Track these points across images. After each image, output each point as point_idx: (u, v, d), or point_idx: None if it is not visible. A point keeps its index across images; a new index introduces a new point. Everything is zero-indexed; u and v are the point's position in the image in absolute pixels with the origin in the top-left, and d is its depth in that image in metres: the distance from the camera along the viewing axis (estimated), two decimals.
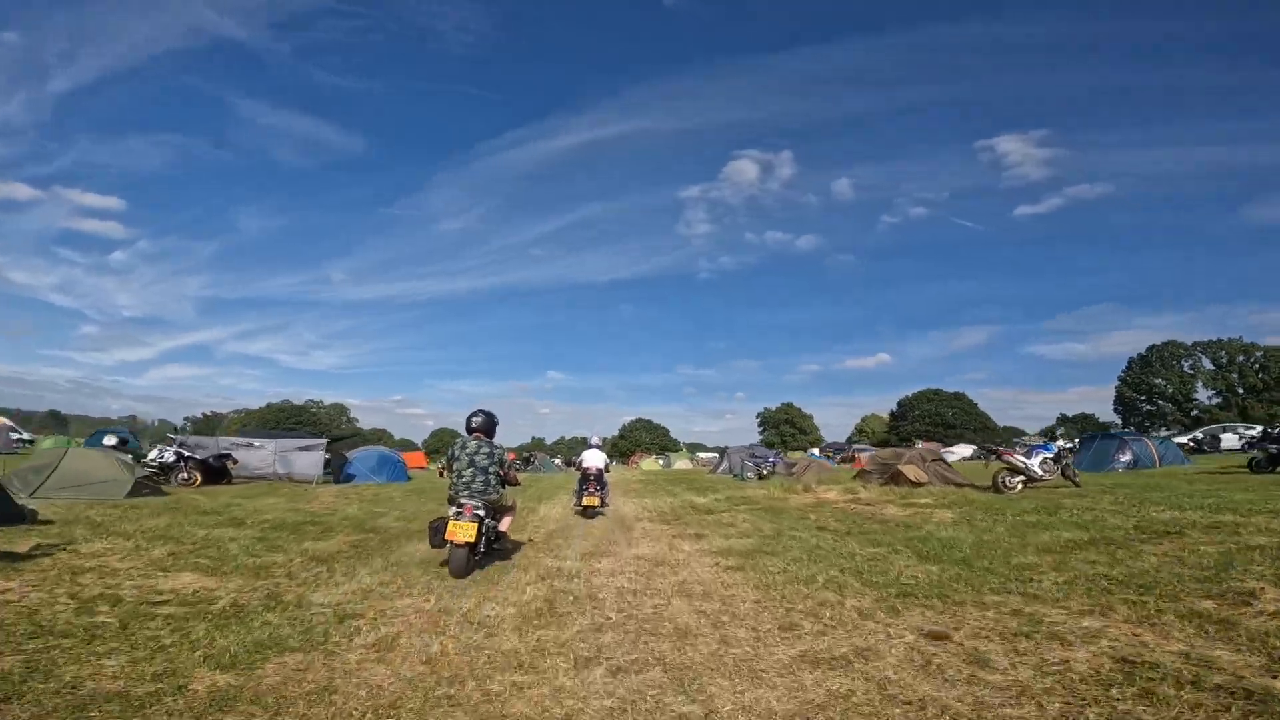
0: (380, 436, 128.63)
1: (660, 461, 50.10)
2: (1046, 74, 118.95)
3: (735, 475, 22.91)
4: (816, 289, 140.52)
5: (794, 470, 20.38)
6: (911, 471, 13.37)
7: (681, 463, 47.02)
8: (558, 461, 47.33)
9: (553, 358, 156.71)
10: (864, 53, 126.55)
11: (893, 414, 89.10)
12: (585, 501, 11.05)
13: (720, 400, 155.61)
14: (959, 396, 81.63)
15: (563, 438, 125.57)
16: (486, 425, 6.39)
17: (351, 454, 21.24)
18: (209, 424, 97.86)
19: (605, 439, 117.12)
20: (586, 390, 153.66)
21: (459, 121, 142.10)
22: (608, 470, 12.36)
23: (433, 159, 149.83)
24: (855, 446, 56.97)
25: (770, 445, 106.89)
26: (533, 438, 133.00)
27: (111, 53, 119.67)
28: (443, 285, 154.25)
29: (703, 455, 57.28)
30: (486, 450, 6.20)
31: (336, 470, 19.17)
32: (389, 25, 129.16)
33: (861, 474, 15.62)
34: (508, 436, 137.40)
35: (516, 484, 6.93)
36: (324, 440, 19.99)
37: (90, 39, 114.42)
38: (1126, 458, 17.52)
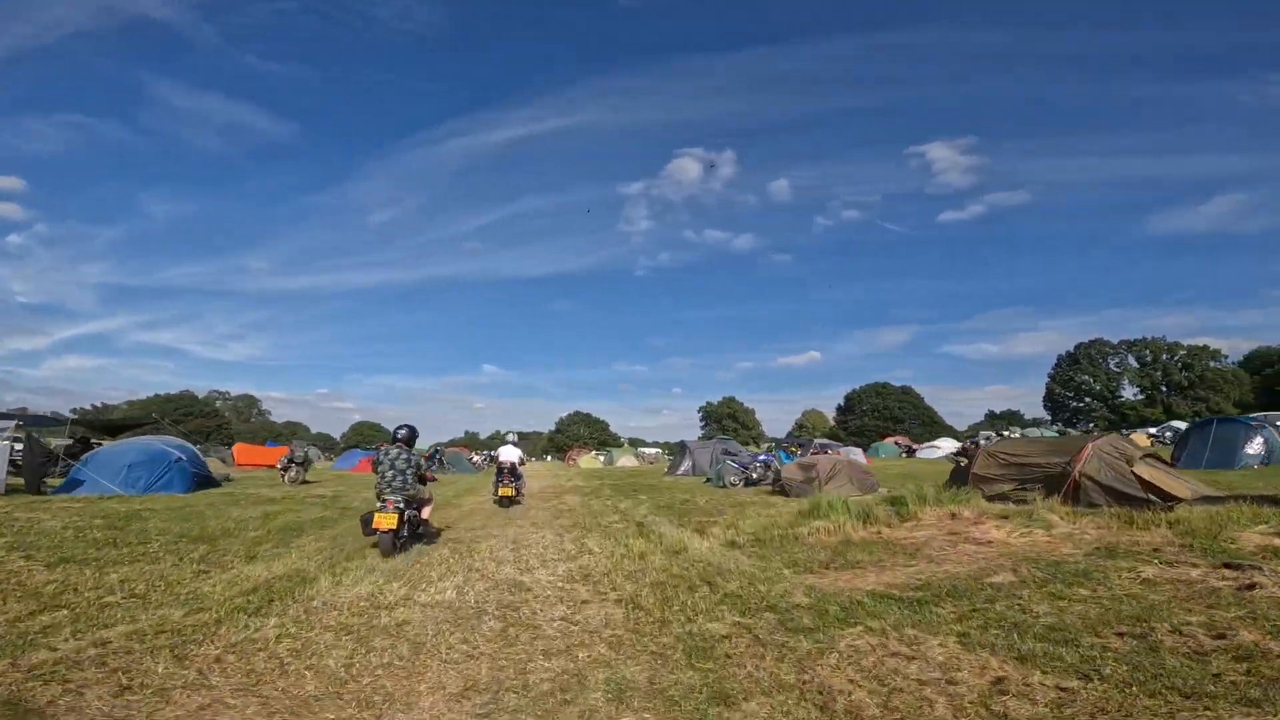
0: (295, 431, 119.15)
1: (601, 458, 43.55)
2: (977, 82, 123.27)
3: (710, 480, 17.53)
4: (752, 288, 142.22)
5: (814, 477, 12.49)
6: (1161, 479, 7.62)
7: (625, 459, 41.21)
8: (476, 459, 38.92)
9: (488, 352, 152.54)
10: (808, 56, 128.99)
11: (840, 408, 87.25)
12: (501, 492, 12.28)
13: (656, 397, 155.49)
14: (906, 391, 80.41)
15: (497, 432, 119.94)
16: (409, 437, 8.02)
17: (110, 446, 14.56)
18: (97, 415, 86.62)
19: (543, 434, 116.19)
20: (522, 386, 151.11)
21: (395, 111, 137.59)
22: (522, 464, 14.00)
23: (365, 148, 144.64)
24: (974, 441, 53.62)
25: (709, 439, 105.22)
26: (466, 432, 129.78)
27: (18, 32, 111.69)
28: (372, 276, 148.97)
29: (647, 451, 51.49)
30: (405, 456, 7.70)
31: (37, 470, 12.61)
32: (326, 10, 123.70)
33: (971, 481, 9.18)
34: (440, 432, 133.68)
35: (434, 480, 8.70)
36: (10, 421, 13.08)
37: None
38: (1256, 449, 13.50)
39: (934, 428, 76.10)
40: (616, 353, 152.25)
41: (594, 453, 48.78)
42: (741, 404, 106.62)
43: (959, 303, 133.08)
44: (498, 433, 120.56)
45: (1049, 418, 77.59)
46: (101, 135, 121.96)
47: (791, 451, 25.47)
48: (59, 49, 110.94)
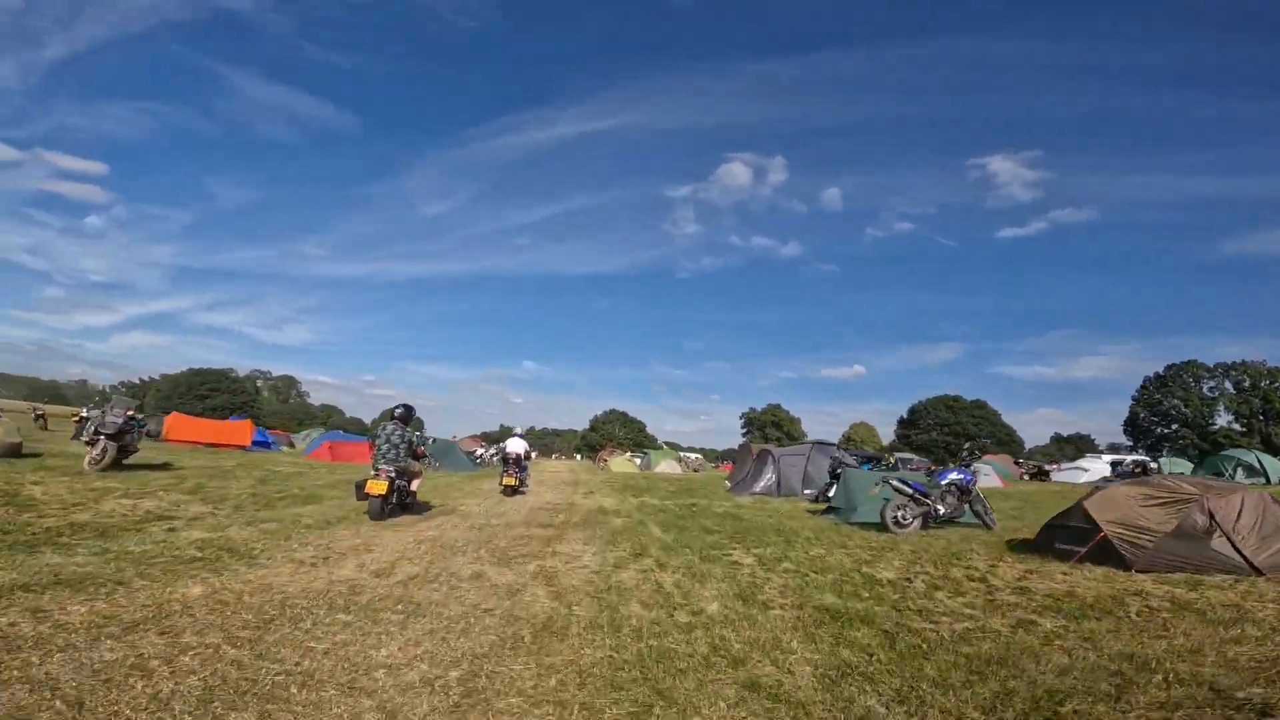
0: (329, 415, 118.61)
1: (637, 460, 36.74)
2: (1042, 95, 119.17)
3: (832, 509, 11.19)
4: (797, 296, 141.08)
5: (1203, 524, 5.48)
6: None
7: (665, 464, 34.48)
8: (481, 451, 31.72)
9: (529, 348, 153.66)
10: (864, 62, 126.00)
11: (902, 420, 79.15)
12: (505, 481, 12.98)
13: (693, 400, 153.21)
14: (980, 405, 71.89)
15: (532, 428, 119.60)
16: (405, 415, 8.79)
17: None
18: (141, 390, 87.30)
19: (576, 431, 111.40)
20: (560, 383, 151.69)
21: (452, 104, 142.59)
22: (528, 457, 14.64)
23: (422, 140, 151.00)
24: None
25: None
26: (501, 425, 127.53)
27: (107, 20, 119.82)
28: (421, 267, 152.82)
29: (691, 456, 44.49)
30: (400, 433, 8.51)
31: None
32: (391, 5, 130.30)
33: None
34: (477, 422, 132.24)
35: (426, 455, 10.95)
36: None
37: (89, 5, 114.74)
38: None
39: (1011, 446, 67.77)
40: (654, 354, 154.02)
41: (628, 454, 41.87)
42: (787, 412, 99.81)
43: (1012, 322, 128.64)
44: (532, 428, 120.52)
45: (1129, 443, 68.70)
46: (176, 122, 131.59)
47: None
48: (144, 38, 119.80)
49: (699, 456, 49.70)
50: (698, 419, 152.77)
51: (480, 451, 31.83)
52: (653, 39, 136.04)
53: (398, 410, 8.71)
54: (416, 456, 8.89)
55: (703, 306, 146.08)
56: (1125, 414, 69.02)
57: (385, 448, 8.27)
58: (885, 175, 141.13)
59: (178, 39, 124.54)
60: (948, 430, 69.17)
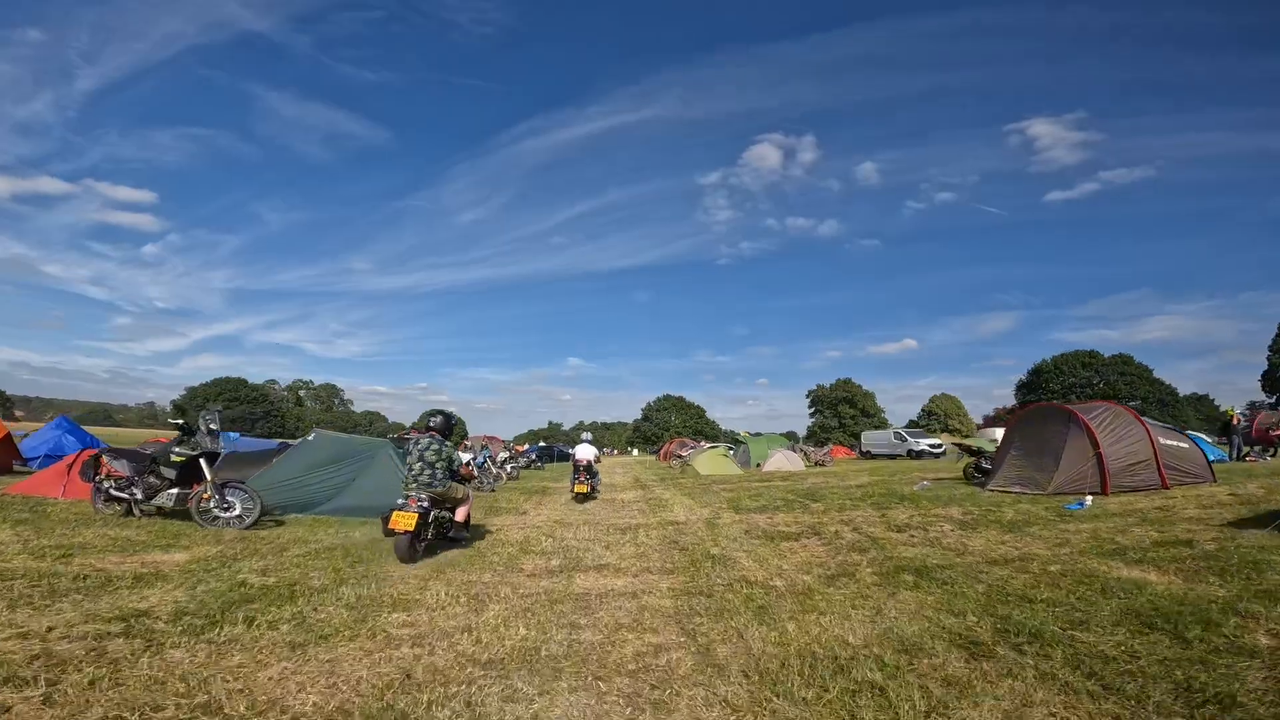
0: (372, 421, 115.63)
1: (731, 454, 25.48)
2: (1077, 59, 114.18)
3: None
4: (838, 275, 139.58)
5: None
6: None
7: (779, 457, 22.93)
8: (504, 456, 20.64)
9: (573, 345, 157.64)
10: (889, 36, 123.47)
11: (1022, 384, 65.55)
12: (577, 489, 12.58)
13: (739, 387, 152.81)
14: (1126, 360, 57.57)
15: (581, 423, 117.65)
16: (443, 426, 6.89)
17: None
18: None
19: (627, 424, 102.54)
20: (606, 378, 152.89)
21: (476, 112, 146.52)
22: (598, 461, 14.38)
23: (451, 150, 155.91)
24: None
25: (827, 430, 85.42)
26: (549, 423, 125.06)
27: (134, 50, 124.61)
28: (462, 274, 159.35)
29: (815, 450, 31.44)
30: (435, 448, 6.57)
31: None
32: (408, 16, 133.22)
33: None
34: (527, 423, 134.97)
35: (473, 478, 7.87)
36: None
37: (113, 36, 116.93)
38: None
39: (1175, 408, 53.78)
40: (698, 342, 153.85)
41: (723, 446, 29.18)
42: (860, 387, 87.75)
43: (1069, 287, 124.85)
44: (581, 423, 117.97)
45: (1270, 400, 53.70)
46: (219, 146, 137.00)
47: None
48: (175, 64, 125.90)
49: (826, 450, 36.58)
50: (745, 404, 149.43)
51: (504, 456, 20.74)
52: (669, 30, 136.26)
53: (434, 419, 6.96)
54: (461, 479, 6.96)
55: (744, 292, 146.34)
56: (1199, 374, 54.75)
57: (418, 468, 6.48)
58: (920, 147, 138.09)
59: (206, 63, 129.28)
60: (1090, 391, 55.37)
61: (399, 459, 9.18)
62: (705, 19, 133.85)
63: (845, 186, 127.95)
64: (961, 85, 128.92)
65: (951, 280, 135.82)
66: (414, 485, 6.38)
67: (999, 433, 38.33)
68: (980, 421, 79.51)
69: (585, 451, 13.51)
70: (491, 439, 31.84)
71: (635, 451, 77.86)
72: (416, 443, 6.66)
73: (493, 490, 14.79)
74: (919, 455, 31.90)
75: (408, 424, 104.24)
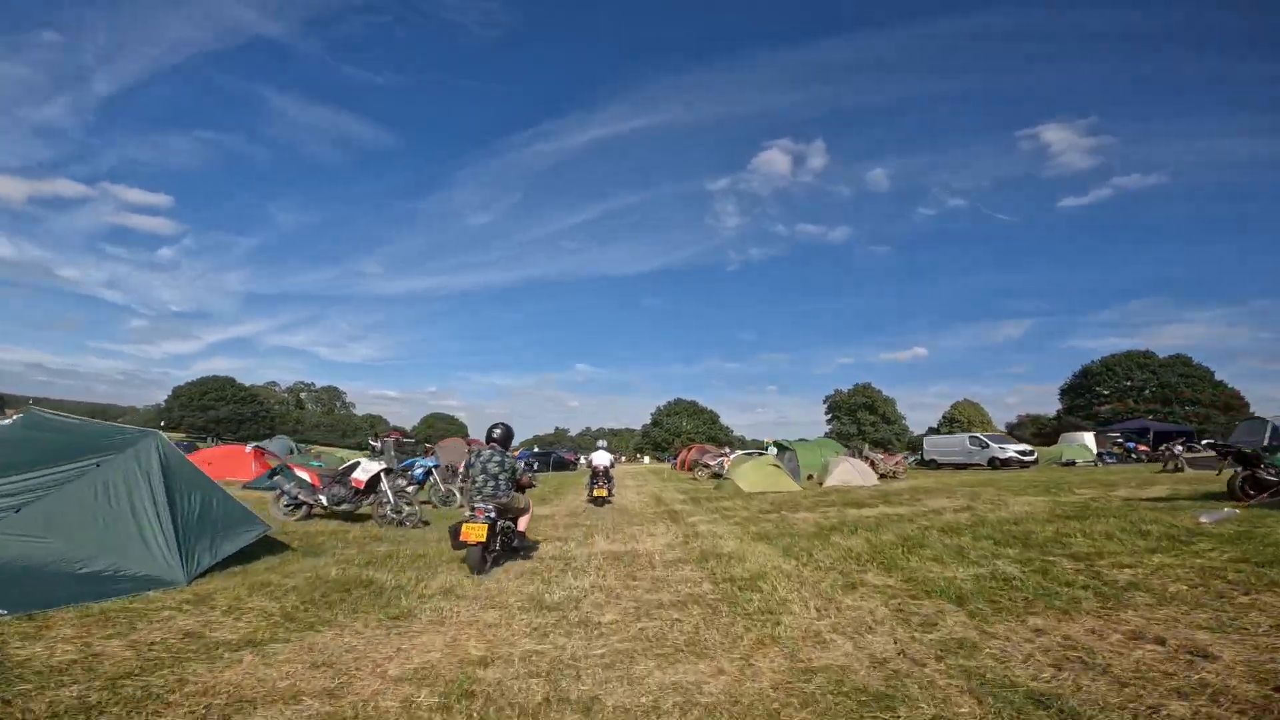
0: (374, 424, 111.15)
1: (771, 454, 20.55)
2: (1090, 63, 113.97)
3: None
4: (848, 282, 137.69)
5: None
6: None
7: (844, 468, 17.74)
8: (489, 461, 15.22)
9: (581, 350, 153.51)
10: (899, 40, 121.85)
11: (1065, 389, 60.93)
12: (595, 493, 13.62)
13: (749, 393, 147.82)
14: (1185, 361, 52.87)
15: (588, 429, 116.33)
16: (504, 437, 6.91)
17: None
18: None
19: (635, 430, 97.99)
20: (614, 383, 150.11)
21: (485, 114, 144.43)
22: (613, 467, 15.27)
23: (460, 152, 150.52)
24: None
25: (847, 436, 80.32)
26: (556, 428, 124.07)
27: (148, 54, 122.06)
28: (471, 278, 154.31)
29: (884, 457, 24.96)
30: (498, 459, 6.67)
31: None
32: (415, 20, 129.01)
33: None
34: (535, 427, 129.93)
35: (533, 486, 7.80)
36: None
37: (128, 40, 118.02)
38: None
39: (1241, 414, 49.07)
40: (707, 349, 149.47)
41: (763, 453, 23.72)
42: (880, 392, 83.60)
43: (1083, 294, 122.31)
44: (588, 429, 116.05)
45: None
46: (232, 149, 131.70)
47: None
48: (187, 68, 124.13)
49: (907, 457, 32.16)
50: (755, 411, 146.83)
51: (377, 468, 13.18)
52: (677, 34, 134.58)
53: (495, 430, 6.91)
54: (521, 488, 7.02)
55: (753, 298, 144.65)
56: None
57: (482, 480, 6.60)
58: (931, 153, 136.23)
59: (219, 67, 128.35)
60: (1147, 394, 50.56)
61: (159, 467, 5.71)
62: (713, 23, 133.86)
63: (855, 192, 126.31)
64: (973, 90, 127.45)
65: (963, 286, 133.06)
66: (479, 497, 6.53)
67: (1086, 437, 33.64)
68: (1003, 429, 75.17)
69: (601, 458, 14.43)
70: (449, 442, 23.97)
71: (647, 459, 72.64)
72: (479, 454, 6.80)
73: (418, 523, 9.28)
74: (1004, 464, 27.27)
75: (409, 427, 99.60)
